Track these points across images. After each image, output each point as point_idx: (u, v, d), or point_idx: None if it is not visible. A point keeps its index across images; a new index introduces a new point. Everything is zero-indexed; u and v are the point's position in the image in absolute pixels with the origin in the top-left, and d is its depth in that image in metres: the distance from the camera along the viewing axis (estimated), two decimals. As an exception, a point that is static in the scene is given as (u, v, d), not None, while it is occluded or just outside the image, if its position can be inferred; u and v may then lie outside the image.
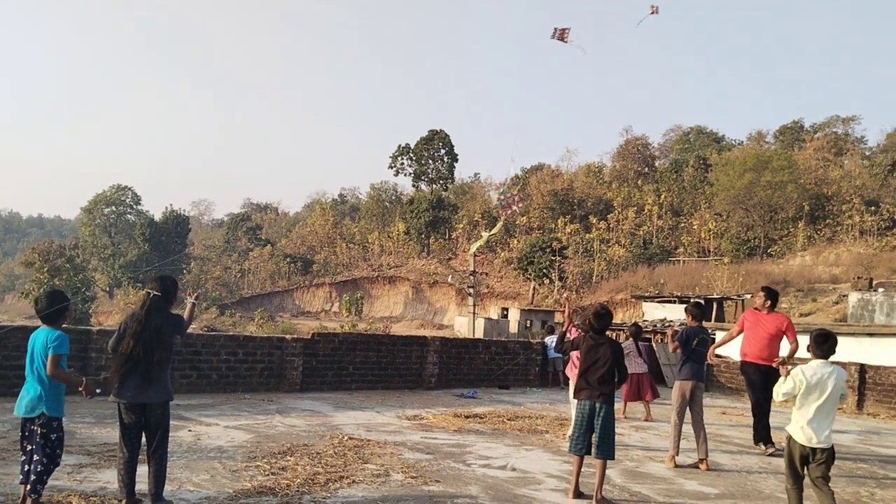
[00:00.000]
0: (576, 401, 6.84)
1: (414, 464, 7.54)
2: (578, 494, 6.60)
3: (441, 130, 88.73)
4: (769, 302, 9.94)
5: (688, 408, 8.67)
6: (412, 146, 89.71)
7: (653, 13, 19.60)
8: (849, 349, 20.94)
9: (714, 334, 18.92)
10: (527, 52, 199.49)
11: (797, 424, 5.67)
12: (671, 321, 38.89)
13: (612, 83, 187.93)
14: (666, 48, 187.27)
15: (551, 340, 17.97)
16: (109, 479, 6.02)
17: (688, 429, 8.71)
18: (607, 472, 7.70)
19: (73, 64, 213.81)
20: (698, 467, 8.39)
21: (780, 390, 5.78)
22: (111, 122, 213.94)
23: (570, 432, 6.99)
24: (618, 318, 56.75)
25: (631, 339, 13.36)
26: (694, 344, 8.65)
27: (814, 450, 5.59)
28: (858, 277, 41.29)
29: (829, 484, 5.64)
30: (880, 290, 35.81)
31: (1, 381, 10.48)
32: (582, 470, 6.68)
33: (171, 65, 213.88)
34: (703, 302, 9.70)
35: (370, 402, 12.61)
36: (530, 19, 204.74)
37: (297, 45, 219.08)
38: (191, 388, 12.07)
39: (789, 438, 5.77)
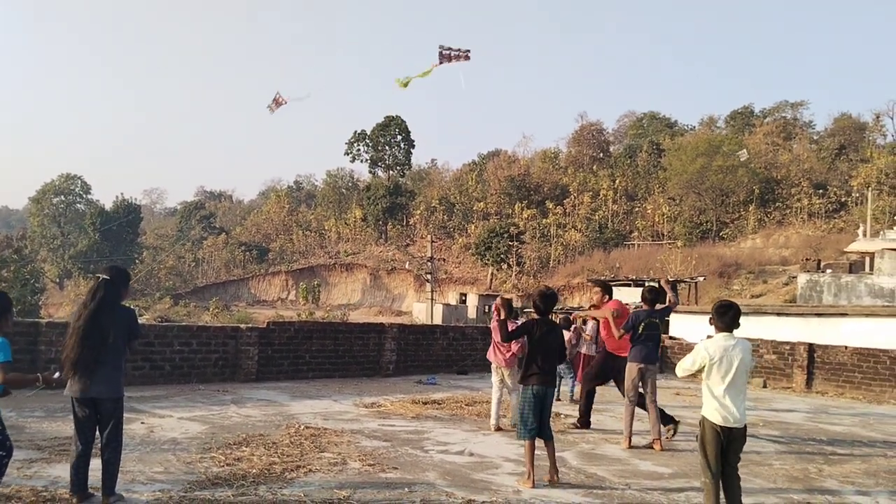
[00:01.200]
0: (522, 386, 6.88)
1: (371, 451, 7.52)
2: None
3: (397, 117, 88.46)
4: (606, 297, 10.06)
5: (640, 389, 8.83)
6: (368, 132, 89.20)
7: None
8: (798, 329, 21.51)
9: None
10: (482, 38, 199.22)
11: (709, 404, 5.34)
12: (627, 304, 39.45)
13: (567, 69, 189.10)
14: (618, 34, 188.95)
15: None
16: (60, 473, 5.88)
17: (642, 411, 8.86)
18: (564, 454, 7.82)
19: (14, 48, 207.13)
20: (652, 447, 8.54)
21: (680, 365, 5.53)
22: (58, 109, 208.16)
23: (512, 418, 6.90)
24: (574, 301, 57.40)
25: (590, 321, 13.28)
26: (641, 328, 8.77)
27: (730, 430, 5.26)
28: (807, 259, 42.38)
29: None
30: (828, 271, 36.83)
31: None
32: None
33: (119, 50, 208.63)
34: (657, 286, 9.72)
35: (327, 391, 12.54)
36: (484, 4, 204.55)
37: (249, 31, 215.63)
38: (144, 379, 11.86)
39: (702, 421, 5.41)
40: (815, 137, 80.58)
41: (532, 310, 7.23)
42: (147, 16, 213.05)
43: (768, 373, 18.30)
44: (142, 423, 8.52)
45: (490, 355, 9.51)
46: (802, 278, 35.61)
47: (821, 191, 64.37)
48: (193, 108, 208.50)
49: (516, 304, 59.12)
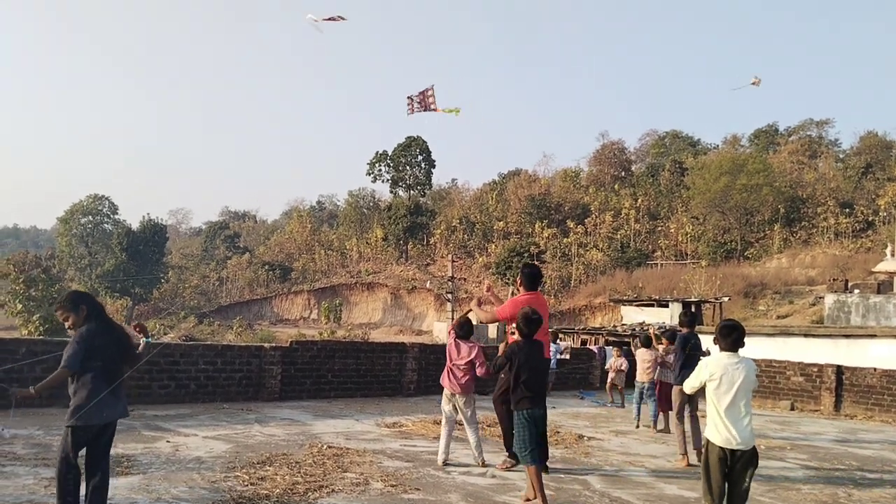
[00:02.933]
0: (516, 411, 6.59)
1: (393, 472, 7.51)
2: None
3: (418, 137, 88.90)
4: (522, 289, 8.56)
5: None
6: (390, 153, 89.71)
7: (754, 84, 19.90)
8: (826, 351, 21.19)
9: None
10: (502, 57, 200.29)
11: (712, 425, 5.23)
12: (649, 324, 39.14)
13: (588, 87, 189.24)
14: (640, 52, 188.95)
15: (556, 349, 17.78)
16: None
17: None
18: (588, 477, 7.77)
19: (45, 72, 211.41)
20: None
21: (686, 382, 5.57)
22: (87, 130, 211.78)
23: (517, 446, 6.47)
24: (596, 321, 57.03)
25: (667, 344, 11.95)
26: (687, 349, 9.00)
27: (733, 452, 5.09)
28: (834, 279, 41.79)
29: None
30: (856, 291, 36.29)
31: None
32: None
33: (147, 74, 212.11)
34: (692, 309, 10.12)
35: (349, 410, 12.54)
36: (505, 26, 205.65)
37: (274, 55, 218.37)
38: (169, 398, 11.94)
39: (707, 444, 5.29)
40: (840, 156, 79.83)
41: (516, 332, 6.95)
42: (174, 36, 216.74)
43: (796, 395, 18.05)
44: (167, 441, 8.57)
45: (444, 380, 8.34)
46: (829, 299, 35.12)
47: (847, 210, 63.63)
48: (220, 129, 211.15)
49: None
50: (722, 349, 5.39)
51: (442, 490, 6.85)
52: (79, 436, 4.82)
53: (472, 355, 8.08)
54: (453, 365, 8.17)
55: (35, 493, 5.91)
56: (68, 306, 5.00)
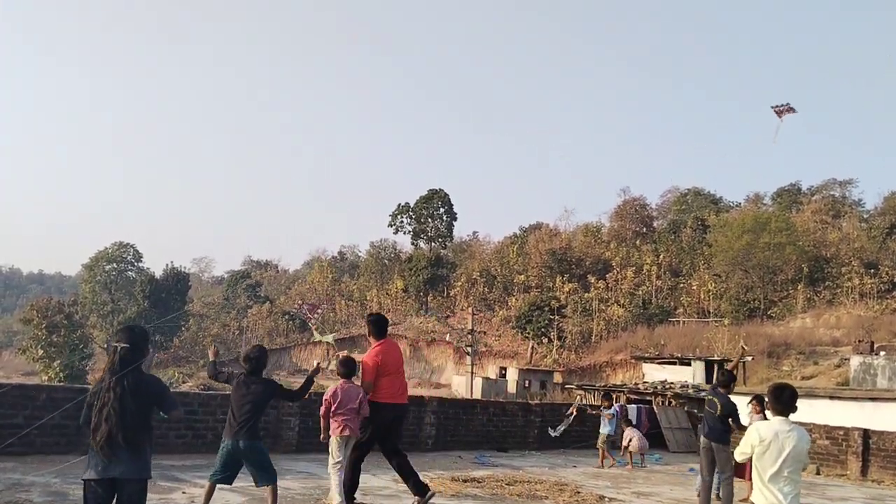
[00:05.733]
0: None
1: (410, 530, 7.41)
2: None
3: (440, 189, 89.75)
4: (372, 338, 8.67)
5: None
6: (412, 205, 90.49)
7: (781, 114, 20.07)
8: (852, 414, 20.77)
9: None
10: (524, 111, 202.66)
11: (757, 490, 5.10)
12: (671, 383, 38.59)
13: (610, 143, 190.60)
14: (662, 108, 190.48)
15: (615, 411, 16.78)
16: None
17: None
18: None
19: (76, 119, 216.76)
20: None
21: (738, 449, 5.32)
22: (113, 177, 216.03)
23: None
24: (617, 378, 56.35)
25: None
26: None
27: None
28: (860, 341, 41.13)
29: None
30: (882, 353, 35.69)
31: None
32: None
33: (173, 118, 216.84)
34: (731, 371, 10.12)
35: (365, 465, 12.29)
36: (529, 81, 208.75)
37: (297, 105, 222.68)
38: (186, 447, 11.92)
39: None
40: (864, 216, 79.32)
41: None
42: (193, 83, 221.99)
43: (821, 459, 17.64)
44: (183, 492, 8.55)
45: (342, 428, 8.03)
46: (855, 360, 34.57)
47: (872, 270, 62.92)
48: (242, 179, 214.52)
49: (556, 379, 58.28)
50: (774, 413, 5.22)
51: (459, 550, 6.74)
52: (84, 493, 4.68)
53: (361, 396, 8.07)
54: (347, 409, 8.00)
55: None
56: None
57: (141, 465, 4.66)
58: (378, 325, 8.61)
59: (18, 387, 10.93)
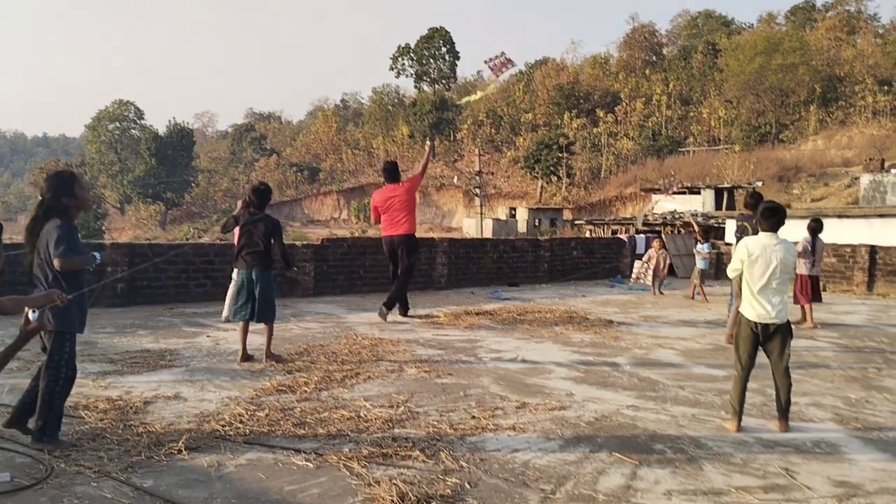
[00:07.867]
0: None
1: (427, 359, 7.71)
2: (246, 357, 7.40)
3: (441, 28, 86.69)
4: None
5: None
6: (412, 46, 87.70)
7: None
8: (859, 231, 20.97)
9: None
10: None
11: (746, 301, 5.41)
12: (681, 213, 38.87)
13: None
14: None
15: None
16: (133, 384, 6.20)
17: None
18: (617, 359, 7.92)
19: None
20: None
21: (729, 266, 5.61)
22: (107, 35, 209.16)
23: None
24: (627, 212, 56.76)
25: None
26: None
27: (766, 325, 5.29)
28: (871, 159, 40.80)
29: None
30: (893, 171, 35.47)
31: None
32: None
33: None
34: (757, 192, 9.57)
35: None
36: None
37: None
38: (207, 296, 12.27)
39: (739, 318, 5.51)
40: (880, 31, 76.24)
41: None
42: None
43: (828, 276, 17.98)
44: (207, 336, 8.87)
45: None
46: (865, 179, 34.45)
47: (886, 87, 61.33)
48: (241, 28, 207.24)
49: (566, 216, 58.75)
50: (762, 230, 5.47)
51: (474, 374, 7.04)
52: None
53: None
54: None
55: None
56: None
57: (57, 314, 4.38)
58: (385, 172, 11.02)
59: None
